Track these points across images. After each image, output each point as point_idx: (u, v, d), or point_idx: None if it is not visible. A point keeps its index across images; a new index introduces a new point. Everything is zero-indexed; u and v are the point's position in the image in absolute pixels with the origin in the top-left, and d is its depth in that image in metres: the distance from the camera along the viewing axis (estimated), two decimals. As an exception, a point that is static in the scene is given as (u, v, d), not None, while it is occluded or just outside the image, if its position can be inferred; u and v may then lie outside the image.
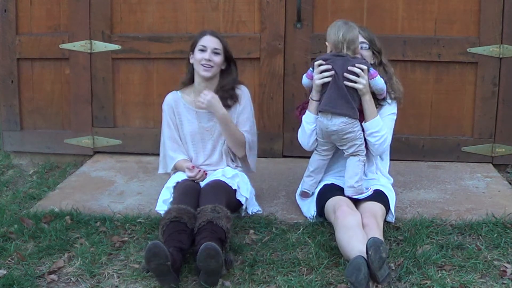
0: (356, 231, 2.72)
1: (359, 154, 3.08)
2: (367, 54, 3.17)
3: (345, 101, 3.00)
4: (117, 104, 4.36)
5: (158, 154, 3.99)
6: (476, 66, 4.02)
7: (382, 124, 3.08)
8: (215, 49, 3.27)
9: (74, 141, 4.39)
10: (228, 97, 3.32)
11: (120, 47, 4.23)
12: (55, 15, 4.28)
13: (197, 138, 3.36)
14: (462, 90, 4.09)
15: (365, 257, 2.51)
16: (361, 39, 3.14)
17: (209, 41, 3.28)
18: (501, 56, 3.98)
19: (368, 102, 3.03)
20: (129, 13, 4.23)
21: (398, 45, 4.03)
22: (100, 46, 4.24)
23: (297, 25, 4.10)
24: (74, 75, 4.30)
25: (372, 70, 3.03)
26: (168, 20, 4.22)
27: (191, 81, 3.39)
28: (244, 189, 3.23)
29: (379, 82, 3.05)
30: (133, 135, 4.36)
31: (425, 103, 4.12)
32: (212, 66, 3.26)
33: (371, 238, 2.57)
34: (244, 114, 3.38)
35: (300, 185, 3.34)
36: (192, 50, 3.32)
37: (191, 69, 3.37)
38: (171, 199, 3.13)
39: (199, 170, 3.23)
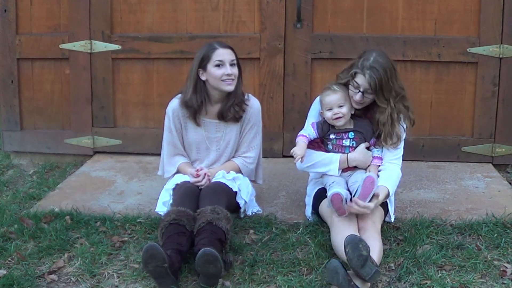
0: (350, 232, 2.69)
1: None
2: (370, 100, 3.00)
3: None
4: (117, 104, 4.36)
5: (158, 154, 3.98)
6: (476, 66, 4.03)
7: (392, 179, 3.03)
8: (232, 60, 3.16)
9: (74, 141, 4.39)
10: (241, 109, 3.24)
11: (120, 47, 4.23)
12: (55, 15, 4.28)
13: (203, 147, 3.31)
14: (462, 90, 4.09)
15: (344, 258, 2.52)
16: (366, 85, 2.94)
17: (224, 54, 3.14)
18: (501, 56, 3.98)
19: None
20: (129, 13, 4.23)
21: (398, 45, 4.03)
22: (100, 46, 4.24)
23: (297, 25, 4.10)
24: (74, 75, 4.30)
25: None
26: (168, 20, 4.22)
27: (203, 100, 3.20)
28: (245, 192, 3.22)
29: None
30: (133, 135, 4.36)
31: (425, 103, 4.12)
32: (233, 79, 3.15)
33: (347, 236, 2.57)
34: (252, 132, 3.31)
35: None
36: (203, 67, 3.15)
37: (201, 86, 3.18)
38: (171, 201, 3.13)
39: (205, 175, 3.16)
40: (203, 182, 3.14)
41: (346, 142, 3.06)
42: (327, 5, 4.08)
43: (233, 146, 3.31)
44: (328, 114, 3.03)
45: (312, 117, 3.22)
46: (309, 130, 3.11)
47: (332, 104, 3.01)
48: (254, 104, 3.31)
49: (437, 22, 4.03)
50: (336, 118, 3.02)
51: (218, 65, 3.12)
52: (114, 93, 4.33)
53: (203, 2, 4.17)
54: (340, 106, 3.01)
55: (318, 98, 3.25)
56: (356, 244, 2.51)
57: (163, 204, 3.19)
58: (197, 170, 3.18)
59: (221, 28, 4.17)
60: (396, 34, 4.05)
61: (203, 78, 3.18)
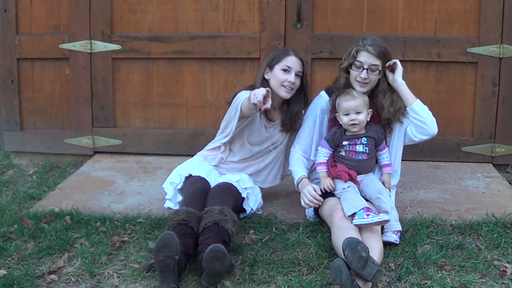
0: (350, 233, 2.71)
1: None
2: (375, 78, 3.08)
3: None
4: (117, 104, 4.36)
5: (158, 154, 3.99)
6: (476, 66, 4.03)
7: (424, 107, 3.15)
8: (298, 71, 3.19)
9: (74, 141, 4.38)
10: (297, 123, 3.29)
11: (120, 47, 4.23)
12: (55, 15, 4.27)
13: (257, 150, 3.32)
14: (462, 90, 4.09)
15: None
16: (372, 60, 3.03)
17: (294, 63, 3.17)
18: (501, 56, 3.98)
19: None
20: (129, 13, 4.23)
21: (398, 45, 4.02)
22: (100, 46, 4.24)
23: (297, 25, 4.09)
24: (74, 75, 4.30)
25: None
26: (168, 20, 4.22)
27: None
28: (253, 201, 3.25)
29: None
30: (133, 135, 4.36)
31: (425, 103, 4.06)
32: (293, 89, 3.18)
33: (345, 238, 2.57)
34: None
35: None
36: (271, 66, 3.20)
37: (265, 85, 3.13)
38: (178, 195, 3.21)
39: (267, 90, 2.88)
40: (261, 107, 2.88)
41: (360, 148, 3.08)
42: (327, 5, 4.08)
43: (283, 148, 3.37)
44: (345, 119, 3.04)
45: (311, 117, 3.24)
46: (322, 152, 3.13)
47: (350, 110, 3.02)
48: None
49: (437, 22, 4.03)
50: (352, 125, 3.03)
51: (284, 70, 3.16)
52: (114, 93, 4.33)
53: (203, 2, 4.17)
54: (358, 113, 3.02)
55: (316, 99, 3.26)
56: (354, 246, 2.51)
57: (170, 185, 3.25)
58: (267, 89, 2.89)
59: (221, 28, 4.17)
60: (396, 34, 4.05)
61: (267, 76, 3.22)
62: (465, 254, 2.85)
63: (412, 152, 4.12)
